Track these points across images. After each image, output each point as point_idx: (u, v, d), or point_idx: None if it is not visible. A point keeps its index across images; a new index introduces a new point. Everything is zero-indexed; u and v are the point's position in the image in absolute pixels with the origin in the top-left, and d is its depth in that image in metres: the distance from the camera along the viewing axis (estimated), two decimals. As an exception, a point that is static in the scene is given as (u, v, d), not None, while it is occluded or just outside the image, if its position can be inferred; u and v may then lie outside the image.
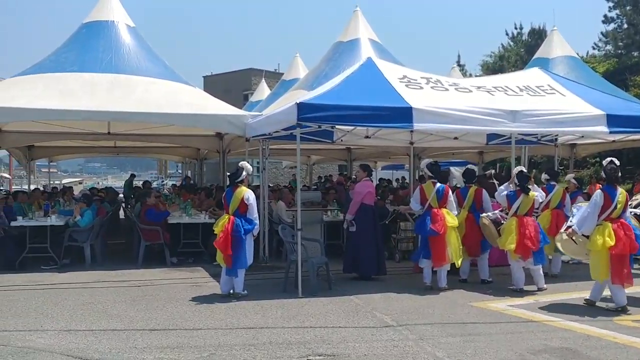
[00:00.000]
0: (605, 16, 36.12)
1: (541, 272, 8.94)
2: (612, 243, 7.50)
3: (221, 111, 11.71)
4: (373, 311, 7.67)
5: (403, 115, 8.94)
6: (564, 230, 8.14)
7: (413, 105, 8.94)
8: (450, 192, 9.35)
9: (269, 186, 13.61)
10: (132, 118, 11.17)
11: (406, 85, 9.75)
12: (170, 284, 9.66)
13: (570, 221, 8.17)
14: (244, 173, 8.56)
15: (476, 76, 32.99)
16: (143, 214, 11.62)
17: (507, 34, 40.39)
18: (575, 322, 7.07)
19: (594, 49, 36.23)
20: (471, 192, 9.91)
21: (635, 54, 27.78)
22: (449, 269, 9.13)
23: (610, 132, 9.98)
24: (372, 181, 10.56)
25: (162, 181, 47.48)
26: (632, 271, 7.81)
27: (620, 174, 7.93)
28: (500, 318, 7.35)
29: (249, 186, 8.79)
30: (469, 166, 10.63)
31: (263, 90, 25.35)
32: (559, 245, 8.31)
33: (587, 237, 7.76)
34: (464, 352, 5.94)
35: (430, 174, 9.50)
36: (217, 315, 7.51)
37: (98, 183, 54.11)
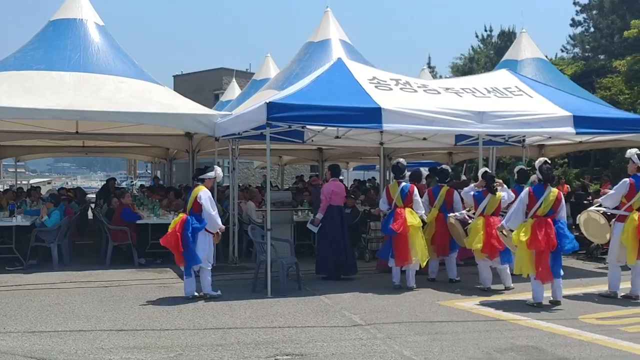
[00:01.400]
0: (572, 20, 36.79)
1: (508, 271, 9.05)
2: (524, 239, 7.77)
3: (190, 110, 11.64)
4: (342, 310, 7.70)
5: (372, 115, 8.97)
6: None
7: (382, 105, 8.99)
8: (415, 191, 9.40)
9: (238, 186, 13.56)
10: (101, 117, 11.00)
11: (375, 87, 9.80)
12: (138, 284, 9.57)
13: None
14: (211, 174, 8.50)
15: (446, 78, 33.31)
16: (118, 213, 11.48)
17: (477, 36, 40.78)
18: (541, 320, 7.18)
19: (562, 51, 36.79)
20: (443, 191, 9.99)
21: (602, 57, 28.29)
22: (417, 268, 9.20)
23: (577, 133, 10.14)
24: (341, 182, 10.57)
25: (131, 181, 46.95)
26: (597, 269, 7.98)
27: (553, 173, 8.18)
28: (467, 317, 7.43)
29: (215, 186, 8.73)
30: (443, 166, 10.67)
31: (234, 90, 25.22)
32: (502, 239, 8.54)
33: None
34: (431, 350, 6.00)
35: (393, 173, 9.62)
36: (185, 315, 7.47)
37: (67, 183, 53.31)
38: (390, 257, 9.20)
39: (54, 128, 13.13)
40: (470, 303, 8.17)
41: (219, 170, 8.61)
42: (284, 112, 8.64)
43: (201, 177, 8.53)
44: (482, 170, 9.31)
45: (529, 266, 7.83)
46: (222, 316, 7.42)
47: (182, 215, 8.42)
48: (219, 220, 8.47)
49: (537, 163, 8.26)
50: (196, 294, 8.38)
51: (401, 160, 9.65)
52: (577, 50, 35.15)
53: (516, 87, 10.95)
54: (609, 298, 8.45)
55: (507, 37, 34.42)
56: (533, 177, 10.42)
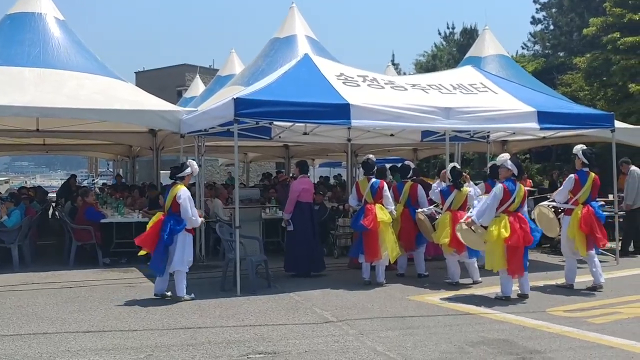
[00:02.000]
0: (533, 17, 37.38)
1: (476, 265, 9.13)
2: (507, 234, 7.83)
3: (155, 107, 11.45)
4: (313, 307, 7.66)
5: (341, 111, 8.96)
6: (464, 220, 8.40)
7: (350, 102, 8.98)
8: (385, 187, 9.41)
9: (205, 184, 13.41)
10: (64, 114, 10.75)
11: (343, 83, 9.78)
12: (103, 284, 9.37)
13: (471, 212, 8.47)
14: (188, 170, 8.28)
15: (410, 74, 33.51)
16: (82, 212, 11.21)
17: (439, 34, 41.16)
18: (510, 313, 7.27)
19: (523, 48, 37.37)
20: (407, 187, 10.04)
21: (561, 54, 28.82)
22: (387, 264, 9.22)
23: (541, 129, 10.31)
24: (308, 178, 10.52)
25: (93, 180, 46.13)
26: (562, 262, 8.11)
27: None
28: (437, 311, 7.47)
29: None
30: (406, 162, 10.70)
31: (198, 87, 24.97)
32: (459, 234, 8.47)
33: (485, 228, 8.08)
34: (404, 345, 6.00)
35: (363, 169, 9.65)
36: (153, 315, 7.33)
37: (26, 182, 52.03)
38: (360, 253, 9.19)
39: (13, 125, 12.79)
40: (439, 297, 8.22)
41: (194, 165, 8.39)
42: (252, 108, 8.56)
43: (179, 175, 8.28)
44: (450, 165, 9.38)
45: (501, 262, 7.89)
46: (192, 315, 7.31)
47: (159, 215, 8.21)
48: (198, 220, 8.28)
49: (500, 157, 8.34)
50: (166, 293, 8.22)
51: (371, 156, 9.67)
52: (537, 47, 35.78)
53: (481, 83, 11.05)
54: (565, 289, 8.68)
55: (470, 35, 34.84)
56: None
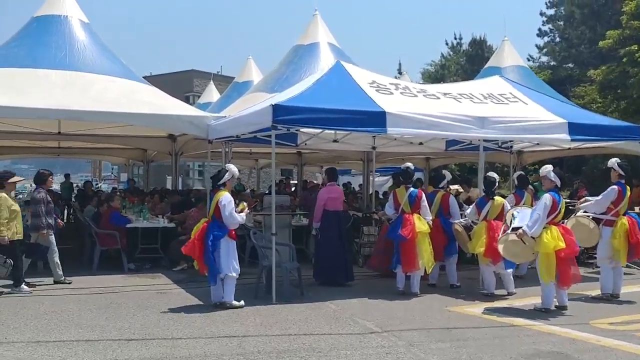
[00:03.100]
0: (539, 30, 37.59)
1: (511, 276, 9.04)
2: (564, 245, 7.74)
3: (183, 112, 11.38)
4: (353, 317, 7.56)
5: (377, 119, 8.89)
6: (511, 232, 8.19)
7: (386, 109, 8.92)
8: (423, 197, 9.34)
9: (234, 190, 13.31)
10: (91, 117, 10.66)
11: (376, 90, 9.73)
12: (133, 290, 9.26)
13: (512, 223, 8.28)
14: (227, 175, 8.21)
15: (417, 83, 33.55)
16: (107, 217, 11.10)
17: (447, 44, 41.34)
18: (555, 325, 7.18)
19: (528, 60, 37.58)
20: (438, 197, 9.95)
21: (571, 65, 28.90)
22: (422, 274, 9.14)
23: (572, 140, 10.24)
24: (337, 186, 10.43)
25: (97, 184, 45.91)
26: (586, 274, 8.06)
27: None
28: (480, 323, 7.37)
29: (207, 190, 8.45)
30: (443, 171, 10.64)
31: (211, 92, 24.90)
32: (500, 247, 8.29)
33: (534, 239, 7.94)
34: (459, 357, 5.91)
35: (402, 178, 9.56)
36: (193, 323, 7.22)
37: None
38: (397, 263, 9.09)
39: (34, 127, 12.70)
40: (479, 309, 8.12)
41: (233, 168, 8.29)
42: (289, 114, 8.48)
43: (221, 182, 8.18)
44: (488, 175, 9.30)
45: (553, 273, 7.80)
46: (232, 324, 7.20)
47: (204, 222, 8.13)
48: (237, 218, 8.05)
49: (543, 169, 8.27)
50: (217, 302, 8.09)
51: (410, 165, 9.61)
52: (542, 59, 35.94)
53: (510, 93, 11.00)
54: (602, 300, 8.64)
55: (479, 46, 34.96)
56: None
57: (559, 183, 8.08)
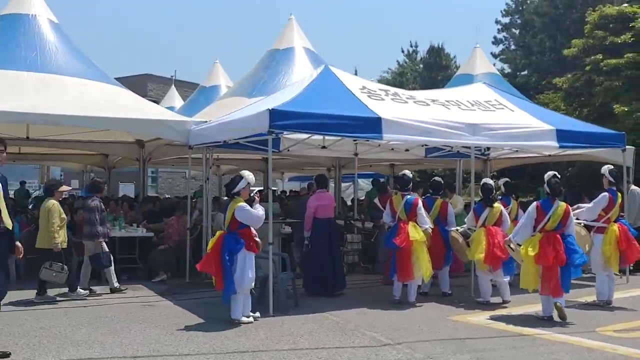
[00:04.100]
0: (495, 37, 38.35)
1: (507, 284, 9.00)
2: (532, 253, 7.75)
3: (163, 116, 10.97)
4: (359, 329, 7.34)
5: (372, 125, 8.76)
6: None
7: (382, 115, 8.79)
8: (419, 204, 9.18)
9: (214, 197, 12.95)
10: (73, 122, 10.13)
11: (368, 96, 9.58)
12: (118, 303, 8.82)
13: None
14: (242, 182, 7.69)
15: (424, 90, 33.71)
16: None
17: (402, 51, 41.76)
18: (562, 334, 7.12)
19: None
20: (437, 204, 9.81)
21: (526, 73, 29.50)
22: (420, 283, 9.01)
23: (560, 147, 10.31)
24: (328, 192, 10.21)
25: (34, 190, 44.13)
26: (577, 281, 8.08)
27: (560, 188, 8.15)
28: (489, 332, 7.27)
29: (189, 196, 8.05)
30: (436, 178, 10.55)
31: (173, 98, 24.32)
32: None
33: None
34: (484, 370, 5.79)
35: (398, 185, 9.43)
36: (195, 338, 6.87)
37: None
38: (394, 272, 8.93)
39: (2, 133, 12.01)
40: (480, 317, 8.03)
41: (248, 174, 7.76)
42: (287, 119, 8.25)
43: (235, 191, 7.68)
44: (482, 182, 9.26)
45: (534, 281, 7.80)
46: (237, 338, 6.88)
47: (219, 234, 7.67)
48: (260, 212, 7.61)
49: (546, 177, 8.25)
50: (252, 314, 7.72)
51: (407, 172, 9.45)
52: (498, 66, 36.65)
53: (496, 100, 11.03)
54: (596, 307, 8.68)
55: (437, 53, 35.33)
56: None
57: (549, 191, 8.08)
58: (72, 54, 11.70)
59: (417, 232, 8.89)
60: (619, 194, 9.07)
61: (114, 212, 12.99)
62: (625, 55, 17.20)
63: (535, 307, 8.33)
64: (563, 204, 8.01)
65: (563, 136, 10.18)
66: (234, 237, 7.50)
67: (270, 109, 8.16)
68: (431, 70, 34.14)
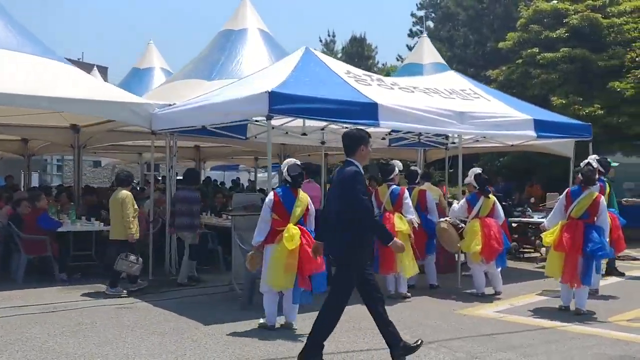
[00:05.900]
0: (410, 30, 38.91)
1: (499, 275, 8.83)
2: (548, 240, 7.73)
3: (123, 98, 9.93)
4: (374, 328, 6.84)
5: (368, 111, 8.31)
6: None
7: (378, 101, 8.35)
8: (405, 194, 8.79)
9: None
10: (15, 102, 8.93)
11: (356, 81, 9.13)
12: (92, 307, 7.85)
13: None
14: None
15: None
16: (33, 220, 9.35)
17: (320, 41, 41.50)
18: (582, 325, 7.00)
19: (397, 60, 38.68)
20: (415, 193, 9.50)
21: (455, 66, 30.00)
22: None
23: (538, 137, 10.26)
24: (316, 183, 9.64)
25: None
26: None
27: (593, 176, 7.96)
28: (513, 327, 6.92)
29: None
30: (412, 167, 10.22)
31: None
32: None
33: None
34: (540, 369, 5.49)
35: (382, 175, 9.03)
36: (203, 344, 6.15)
37: None
38: (376, 266, 8.45)
39: None
40: (486, 310, 7.79)
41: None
42: (287, 103, 7.65)
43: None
44: (474, 171, 9.02)
45: (557, 269, 7.63)
46: (249, 341, 6.22)
47: (293, 228, 6.63)
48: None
49: (582, 164, 8.02)
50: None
51: (392, 161, 9.02)
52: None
53: (470, 89, 10.87)
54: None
55: (359, 44, 35.29)
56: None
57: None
58: (7, 25, 10.34)
59: (402, 223, 8.48)
60: (609, 184, 9.14)
61: (53, 203, 11.77)
62: (560, 50, 17.66)
63: (533, 298, 8.40)
64: (594, 193, 7.71)
65: (540, 126, 10.18)
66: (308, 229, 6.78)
67: (269, 91, 7.49)
68: (353, 59, 34.07)
